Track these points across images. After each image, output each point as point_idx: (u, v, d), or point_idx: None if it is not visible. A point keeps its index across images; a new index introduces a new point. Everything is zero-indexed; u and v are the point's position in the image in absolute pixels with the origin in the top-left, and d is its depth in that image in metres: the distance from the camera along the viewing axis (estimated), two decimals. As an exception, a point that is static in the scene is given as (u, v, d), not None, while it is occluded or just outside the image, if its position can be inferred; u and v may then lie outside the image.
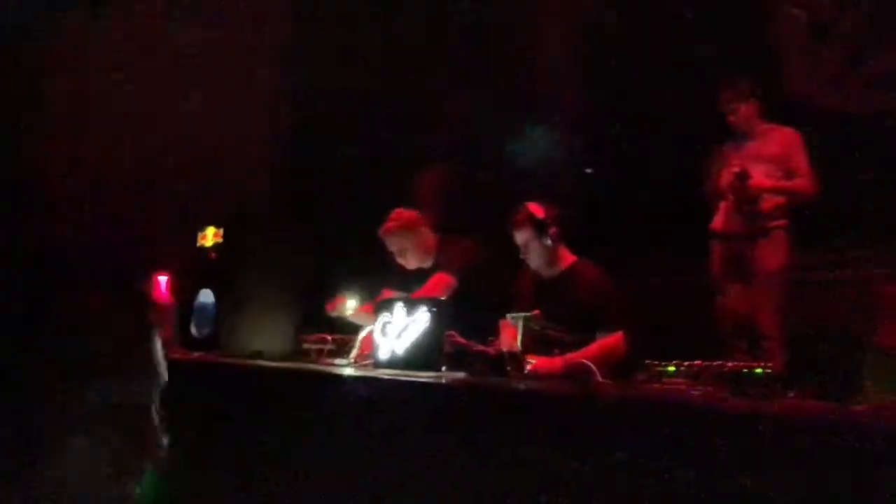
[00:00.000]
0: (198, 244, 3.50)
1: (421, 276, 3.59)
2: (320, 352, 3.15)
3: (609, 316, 3.10)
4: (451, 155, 4.71)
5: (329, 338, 3.12)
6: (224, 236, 3.42)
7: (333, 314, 3.47)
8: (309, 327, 3.37)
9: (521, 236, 3.31)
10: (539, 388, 2.13)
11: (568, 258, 3.37)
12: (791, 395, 2.02)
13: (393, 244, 3.61)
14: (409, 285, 3.59)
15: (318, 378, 2.63)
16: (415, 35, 4.98)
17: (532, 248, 3.30)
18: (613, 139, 4.75)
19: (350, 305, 3.41)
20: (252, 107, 4.53)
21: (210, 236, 3.43)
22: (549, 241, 3.29)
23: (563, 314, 3.10)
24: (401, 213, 3.66)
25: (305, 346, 3.28)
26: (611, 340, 3.04)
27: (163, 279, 3.68)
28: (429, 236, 3.64)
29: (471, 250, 3.55)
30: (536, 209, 3.33)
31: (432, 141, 4.82)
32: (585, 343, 2.99)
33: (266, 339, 3.41)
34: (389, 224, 3.61)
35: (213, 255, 3.43)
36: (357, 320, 3.47)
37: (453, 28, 5.13)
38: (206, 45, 4.31)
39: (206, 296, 3.40)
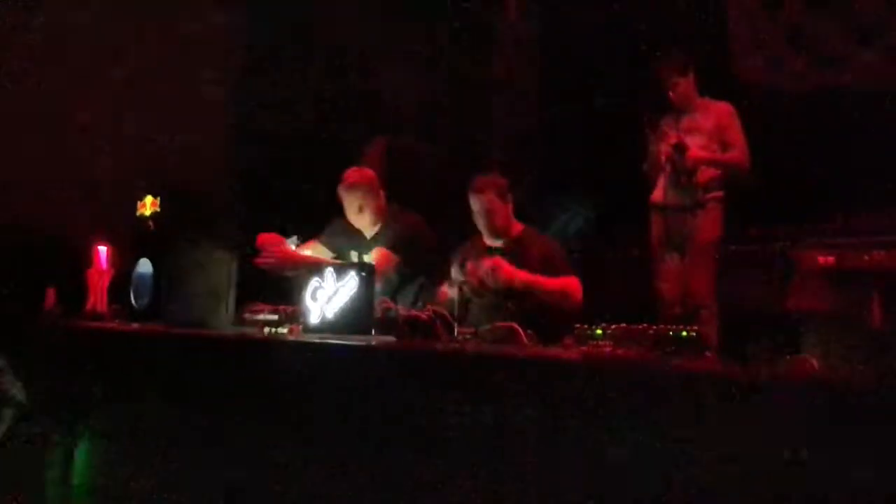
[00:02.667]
0: (137, 213, 3.46)
1: (359, 241, 3.59)
2: (267, 322, 3.13)
3: (563, 270, 3.17)
4: (394, 128, 4.73)
5: (280, 308, 3.09)
6: (161, 205, 3.38)
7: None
8: (254, 298, 3.34)
9: (480, 200, 3.33)
10: (467, 351, 2.17)
11: (517, 227, 3.43)
12: (707, 353, 2.08)
13: (354, 199, 3.53)
14: (340, 247, 3.57)
15: (247, 344, 2.64)
16: (355, 10, 4.96)
17: (489, 213, 3.32)
18: (559, 115, 4.81)
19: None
20: (191, 74, 4.48)
21: (148, 205, 3.40)
22: (508, 207, 3.36)
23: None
24: (363, 170, 3.60)
25: (249, 316, 3.25)
26: (570, 281, 3.12)
27: (103, 249, 3.66)
28: (384, 200, 3.60)
29: (419, 226, 3.54)
30: (498, 176, 3.40)
31: (374, 114, 4.84)
32: (529, 311, 2.99)
33: (207, 310, 3.38)
34: (354, 177, 3.55)
35: (151, 223, 3.39)
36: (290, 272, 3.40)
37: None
38: (147, 16, 4.26)
39: (144, 266, 3.36)
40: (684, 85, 4.14)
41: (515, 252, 3.31)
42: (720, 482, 1.53)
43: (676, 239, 4.08)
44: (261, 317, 3.22)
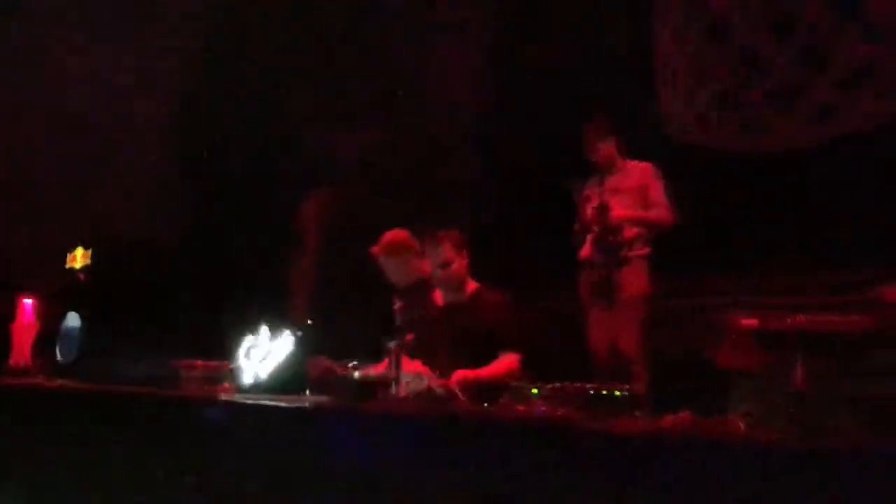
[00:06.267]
0: (66, 265, 3.37)
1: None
2: (193, 379, 3.07)
3: (509, 339, 3.18)
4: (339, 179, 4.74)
5: (198, 364, 3.03)
6: (93, 257, 3.30)
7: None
8: (184, 353, 3.25)
9: (441, 254, 3.35)
10: (398, 412, 2.18)
11: (472, 284, 3.44)
12: (637, 414, 2.13)
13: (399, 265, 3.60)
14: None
15: (176, 403, 2.60)
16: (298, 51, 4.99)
17: (449, 268, 3.35)
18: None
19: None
20: (130, 123, 4.42)
21: (79, 257, 3.32)
22: (465, 263, 3.38)
23: (469, 339, 3.18)
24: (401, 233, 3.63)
25: (181, 372, 3.17)
26: (511, 360, 3.12)
27: (29, 302, 3.54)
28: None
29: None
30: (458, 232, 3.44)
31: (318, 164, 4.85)
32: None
33: (137, 365, 3.30)
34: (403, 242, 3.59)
35: (82, 276, 3.31)
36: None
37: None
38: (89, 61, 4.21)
39: (72, 319, 3.28)
40: (606, 148, 4.30)
41: (472, 310, 3.31)
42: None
43: (603, 295, 4.17)
44: (190, 373, 3.15)
